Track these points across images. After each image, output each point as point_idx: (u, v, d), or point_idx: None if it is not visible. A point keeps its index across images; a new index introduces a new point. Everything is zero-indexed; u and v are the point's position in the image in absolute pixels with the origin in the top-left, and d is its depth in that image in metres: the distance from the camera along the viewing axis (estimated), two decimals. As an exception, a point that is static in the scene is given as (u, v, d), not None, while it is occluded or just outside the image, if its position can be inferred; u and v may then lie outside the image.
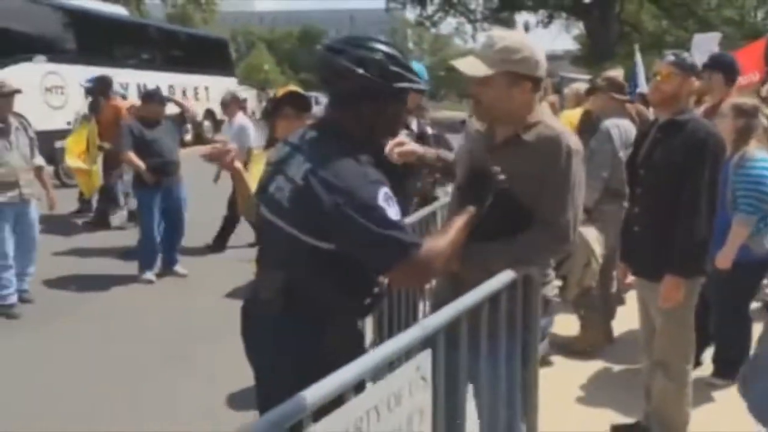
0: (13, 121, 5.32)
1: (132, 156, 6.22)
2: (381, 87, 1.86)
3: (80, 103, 14.10)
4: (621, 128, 4.33)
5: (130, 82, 16.25)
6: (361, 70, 1.82)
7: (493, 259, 2.10)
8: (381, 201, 1.73)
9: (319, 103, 31.69)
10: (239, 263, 6.36)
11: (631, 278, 3.34)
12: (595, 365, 4.31)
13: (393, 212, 1.75)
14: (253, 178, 2.88)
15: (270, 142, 3.18)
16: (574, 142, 2.16)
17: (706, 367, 3.96)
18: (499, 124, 2.25)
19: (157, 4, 45.22)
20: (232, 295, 5.67)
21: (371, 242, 1.73)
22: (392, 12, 43.17)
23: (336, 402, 1.29)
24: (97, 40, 15.95)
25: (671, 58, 3.00)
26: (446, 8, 38.64)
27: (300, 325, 1.89)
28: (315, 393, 1.15)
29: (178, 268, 6.60)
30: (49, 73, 13.92)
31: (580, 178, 2.16)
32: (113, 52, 16.74)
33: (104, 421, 3.61)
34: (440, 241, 1.89)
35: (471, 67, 2.15)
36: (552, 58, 29.38)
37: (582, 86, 6.20)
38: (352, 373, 1.26)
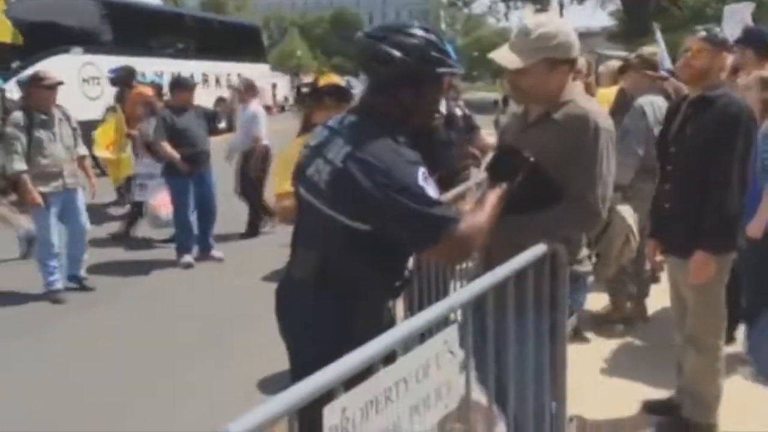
0: (56, 113, 5.48)
1: (167, 146, 6.35)
2: (421, 72, 1.91)
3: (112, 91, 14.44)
4: (654, 105, 4.27)
5: (165, 71, 16.46)
6: (402, 56, 1.87)
7: (522, 232, 2.14)
8: (420, 180, 1.78)
9: (352, 87, 31.81)
10: (274, 247, 6.46)
11: (660, 256, 3.31)
12: (629, 343, 4.30)
13: (432, 190, 1.80)
14: (285, 165, 2.94)
15: (305, 128, 3.19)
16: (603, 120, 2.20)
17: (739, 343, 3.91)
18: (534, 104, 2.34)
19: (191, -7, 45.66)
20: (269, 278, 5.78)
21: (414, 220, 1.78)
22: (424, -7, 42.65)
23: (365, 374, 1.34)
24: (131, 31, 16.12)
25: (702, 33, 2.95)
26: (479, -13, 38.10)
27: (332, 305, 1.94)
28: (345, 363, 1.20)
29: (215, 252, 6.75)
30: (86, 64, 14.21)
31: (609, 156, 2.19)
32: (148, 42, 16.95)
33: (145, 401, 3.74)
34: (478, 217, 1.92)
35: (509, 60, 2.22)
36: (588, 35, 28.77)
37: (616, 63, 6.07)
38: (381, 345, 1.30)
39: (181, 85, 6.70)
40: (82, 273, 5.78)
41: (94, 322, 5.06)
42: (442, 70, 1.95)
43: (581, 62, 4.04)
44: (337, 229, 1.89)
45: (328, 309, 1.95)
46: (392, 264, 2.01)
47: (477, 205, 2.04)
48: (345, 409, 1.19)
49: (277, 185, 3.14)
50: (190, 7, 35.70)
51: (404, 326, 1.40)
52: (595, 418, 3.20)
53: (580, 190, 2.16)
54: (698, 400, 3.08)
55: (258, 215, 7.65)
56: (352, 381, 1.29)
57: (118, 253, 6.98)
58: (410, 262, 2.07)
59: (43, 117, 5.35)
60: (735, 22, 4.52)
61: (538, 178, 2.15)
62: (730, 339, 3.31)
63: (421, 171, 1.81)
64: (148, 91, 8.27)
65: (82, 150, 5.77)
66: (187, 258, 6.48)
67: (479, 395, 2.02)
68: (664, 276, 4.70)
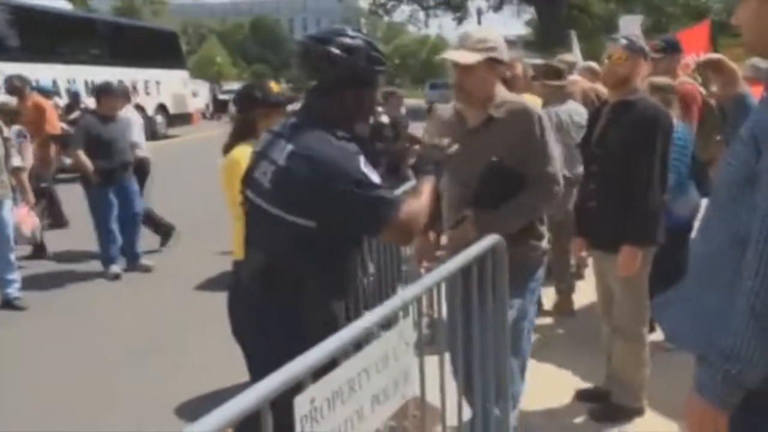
0: None
1: (81, 155, 6.04)
2: (366, 71, 2.03)
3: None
4: (562, 115, 4.48)
5: (78, 78, 15.88)
6: (348, 56, 1.99)
7: (508, 219, 2.49)
8: (362, 167, 1.90)
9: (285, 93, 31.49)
10: (206, 255, 6.36)
11: (584, 252, 3.49)
12: (558, 335, 4.48)
13: (374, 176, 1.92)
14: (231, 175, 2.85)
15: (243, 136, 3.09)
16: (538, 108, 2.67)
17: (659, 332, 4.14)
18: (471, 107, 2.59)
19: (104, -2, 44.14)
20: (201, 287, 5.68)
21: (361, 206, 1.88)
22: (345, 1, 42.89)
23: (328, 368, 1.37)
24: (41, 36, 15.48)
25: (623, 41, 3.13)
26: (399, -4, 38.65)
27: (279, 304, 1.99)
28: (313, 356, 1.23)
29: (144, 261, 6.56)
30: None
31: (551, 133, 2.59)
32: (59, 48, 16.27)
33: (80, 416, 3.61)
34: (418, 202, 2.06)
35: (463, 56, 2.48)
36: (506, 43, 29.64)
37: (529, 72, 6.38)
38: (345, 338, 1.35)
39: (109, 92, 6.37)
40: (15, 293, 5.45)
41: (20, 336, 4.84)
42: (379, 68, 2.08)
43: (519, 68, 4.22)
44: (282, 228, 1.94)
45: (275, 308, 1.99)
46: (338, 262, 2.04)
47: (414, 194, 2.14)
48: (313, 400, 1.22)
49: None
50: (103, 12, 34.45)
51: (364, 320, 1.45)
52: (531, 408, 3.32)
53: (539, 169, 2.51)
54: (626, 386, 3.26)
55: (159, 222, 7.24)
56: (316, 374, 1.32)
57: (43, 266, 6.67)
58: (371, 267, 2.16)
59: None
60: (628, 32, 4.88)
61: (502, 172, 2.49)
62: (652, 329, 3.50)
63: (362, 159, 1.92)
64: (43, 102, 7.90)
65: (16, 161, 5.52)
66: (114, 269, 6.28)
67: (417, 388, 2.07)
68: (588, 271, 4.94)
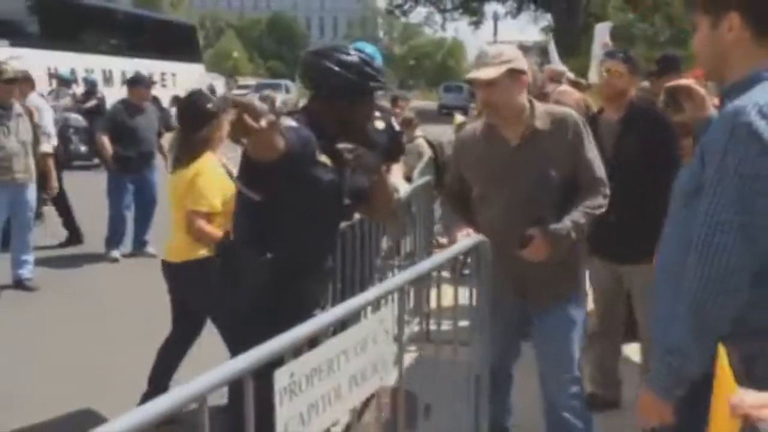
0: (17, 107, 5.40)
1: (105, 141, 6.31)
2: (355, 84, 2.23)
3: (44, 88, 13.97)
4: None
5: (95, 67, 16.10)
6: (342, 70, 2.20)
7: (577, 229, 2.44)
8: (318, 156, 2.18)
9: (290, 91, 31.64)
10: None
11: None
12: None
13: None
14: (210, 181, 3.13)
15: (198, 154, 3.15)
16: (576, 114, 2.63)
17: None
18: (506, 124, 2.53)
19: (124, -12, 44.49)
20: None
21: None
22: (362, 0, 43.05)
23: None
24: (60, 24, 15.74)
25: (621, 56, 3.23)
26: (417, -3, 38.77)
27: (225, 277, 2.30)
28: (294, 334, 1.34)
29: (149, 248, 6.70)
30: (11, 58, 13.73)
31: (592, 137, 2.59)
32: (77, 37, 16.54)
33: (78, 395, 3.73)
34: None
35: (485, 73, 2.46)
36: (522, 48, 29.72)
37: None
38: (326, 320, 1.46)
39: (137, 82, 6.68)
40: (27, 274, 5.64)
41: (29, 316, 4.98)
42: (374, 84, 2.27)
43: (539, 77, 4.41)
44: (244, 205, 2.25)
45: (221, 285, 2.32)
46: (265, 234, 2.23)
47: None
48: (293, 374, 1.32)
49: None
50: (123, 3, 34.80)
51: (347, 304, 1.56)
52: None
53: (593, 171, 2.51)
54: (610, 379, 3.49)
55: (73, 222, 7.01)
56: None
57: (55, 248, 6.82)
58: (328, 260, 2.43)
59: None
60: (598, 43, 4.90)
61: (547, 184, 2.47)
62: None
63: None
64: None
65: (46, 147, 5.70)
66: (114, 253, 6.51)
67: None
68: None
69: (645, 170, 3.05)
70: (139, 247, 6.70)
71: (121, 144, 6.31)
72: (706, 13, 1.58)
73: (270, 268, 2.18)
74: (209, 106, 3.09)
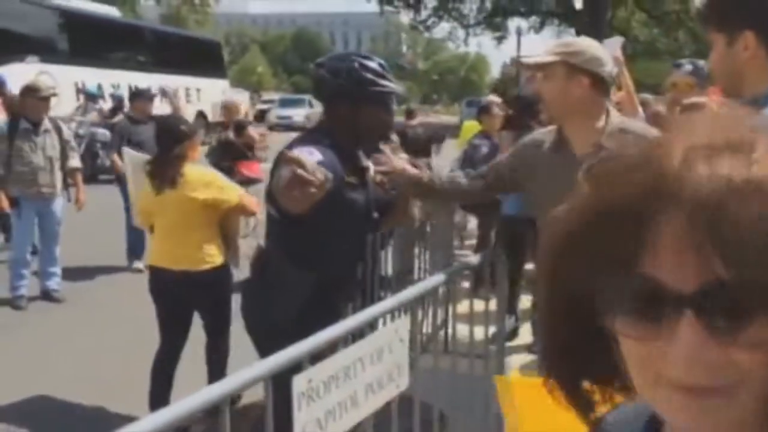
0: (46, 123, 5.58)
1: (116, 157, 6.47)
2: (351, 90, 2.21)
3: (72, 104, 14.26)
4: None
5: (122, 83, 16.34)
6: (331, 77, 2.22)
7: None
8: (295, 149, 2.06)
9: (313, 105, 31.92)
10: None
11: None
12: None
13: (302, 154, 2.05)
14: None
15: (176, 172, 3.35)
16: (641, 127, 2.15)
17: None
18: (573, 128, 2.12)
19: (152, 6, 45.33)
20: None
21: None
22: (387, 15, 43.34)
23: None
24: (88, 41, 15.96)
25: (689, 68, 2.84)
26: (440, 13, 38.88)
27: (266, 291, 2.29)
28: (312, 342, 1.39)
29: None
30: (41, 73, 13.97)
31: None
32: (105, 53, 16.77)
33: (107, 406, 3.81)
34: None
35: (531, 56, 2.25)
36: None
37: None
38: (342, 329, 1.51)
39: (139, 96, 6.86)
40: (54, 285, 5.77)
41: (54, 325, 5.10)
42: (375, 89, 2.22)
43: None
44: (270, 221, 2.26)
45: (263, 294, 2.32)
46: (306, 251, 2.21)
47: None
48: (311, 380, 1.37)
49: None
50: (150, 20, 35.46)
51: (362, 314, 1.61)
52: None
53: None
54: None
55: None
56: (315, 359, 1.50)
57: (70, 258, 6.96)
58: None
59: (27, 126, 5.44)
60: (610, 55, 4.84)
61: None
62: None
63: (308, 147, 2.09)
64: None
65: (74, 162, 5.85)
66: (136, 264, 6.62)
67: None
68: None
69: None
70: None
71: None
72: (720, 31, 1.60)
73: (311, 283, 2.18)
74: (183, 127, 3.40)
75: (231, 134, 7.41)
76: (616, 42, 4.75)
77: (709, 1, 1.65)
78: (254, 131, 8.18)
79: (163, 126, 3.51)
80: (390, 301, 1.73)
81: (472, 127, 7.25)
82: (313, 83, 2.33)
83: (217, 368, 3.61)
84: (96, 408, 3.75)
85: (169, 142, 3.30)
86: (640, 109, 4.38)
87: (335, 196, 2.05)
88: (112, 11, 19.62)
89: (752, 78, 1.58)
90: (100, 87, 15.20)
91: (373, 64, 2.23)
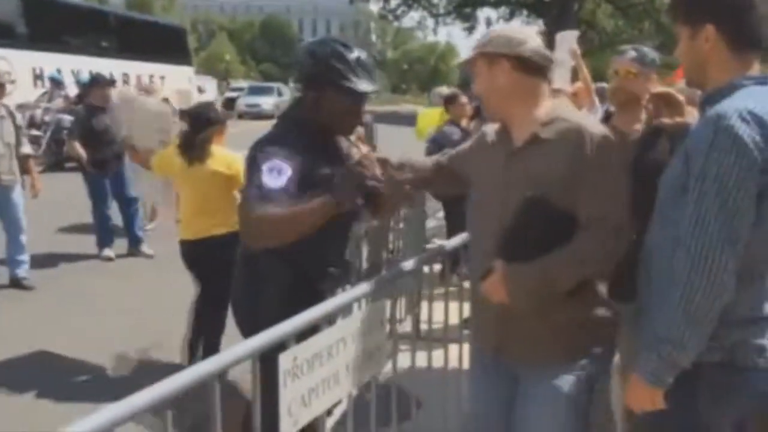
0: (0, 109, 5.45)
1: (77, 146, 6.37)
2: (321, 77, 2.18)
3: (30, 90, 13.89)
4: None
5: (83, 69, 15.82)
6: (307, 59, 2.21)
7: (547, 277, 1.81)
8: (264, 166, 2.06)
9: (282, 94, 31.67)
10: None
11: None
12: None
13: (269, 179, 2.04)
14: None
15: (201, 150, 3.81)
16: (599, 129, 1.91)
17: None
18: (511, 121, 2.00)
19: (117, -10, 44.39)
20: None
21: (242, 190, 2.13)
22: (356, 4, 43.11)
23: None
24: (48, 25, 15.45)
25: (632, 53, 2.66)
26: (409, 2, 38.89)
27: (251, 284, 2.30)
28: (296, 321, 1.43)
29: (145, 248, 6.80)
30: None
31: (618, 164, 1.89)
32: (65, 38, 16.31)
33: (72, 397, 3.79)
34: (283, 212, 1.99)
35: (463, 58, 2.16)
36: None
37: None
38: (325, 309, 1.56)
39: (97, 83, 6.75)
40: (22, 273, 5.70)
41: (24, 314, 5.04)
42: (343, 83, 2.15)
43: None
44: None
45: (247, 291, 2.33)
46: (289, 244, 2.11)
47: (295, 206, 2.03)
48: (296, 358, 1.42)
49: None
50: (115, 5, 34.71)
51: (344, 296, 1.65)
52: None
53: (597, 210, 1.81)
54: None
55: None
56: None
57: (37, 246, 6.88)
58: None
59: None
60: (563, 50, 4.85)
61: (542, 212, 1.83)
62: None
63: (273, 162, 2.05)
64: None
65: (26, 149, 5.76)
66: (106, 252, 6.60)
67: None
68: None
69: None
70: (135, 245, 6.79)
71: (92, 147, 6.36)
72: (684, 24, 1.69)
73: (292, 272, 2.19)
74: (212, 114, 3.95)
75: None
76: (571, 35, 4.81)
77: None
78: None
79: (196, 112, 4.04)
80: (366, 285, 1.77)
81: (429, 114, 7.24)
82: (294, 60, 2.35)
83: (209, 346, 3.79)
84: (70, 394, 3.73)
85: (199, 125, 3.83)
86: (596, 100, 4.45)
87: (311, 188, 2.04)
88: None
89: (714, 70, 1.66)
90: (59, 72, 14.86)
91: (351, 56, 2.18)
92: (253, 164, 2.08)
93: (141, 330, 4.72)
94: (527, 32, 1.97)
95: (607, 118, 2.70)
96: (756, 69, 1.66)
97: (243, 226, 2.09)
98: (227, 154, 3.88)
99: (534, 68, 1.91)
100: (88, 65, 16.15)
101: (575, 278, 1.82)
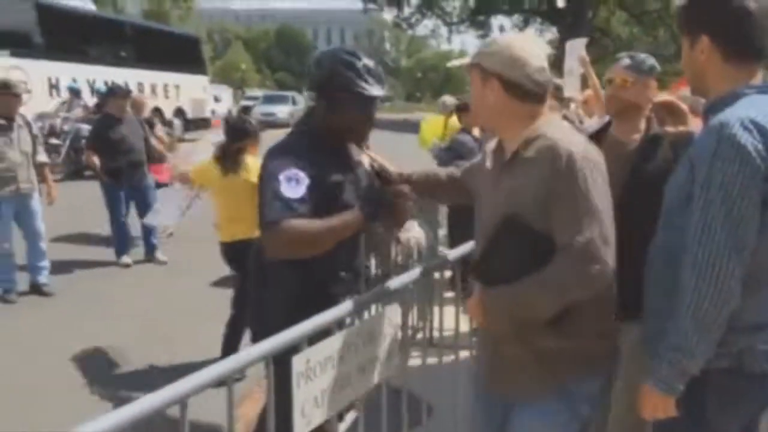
0: (17, 119, 5.59)
1: (90, 155, 6.52)
2: (324, 83, 2.22)
3: (45, 100, 14.04)
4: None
5: (98, 78, 15.94)
6: (314, 69, 2.24)
7: (523, 303, 1.75)
8: (281, 176, 2.05)
9: (296, 102, 31.82)
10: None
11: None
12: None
13: (288, 189, 2.03)
14: None
15: (234, 160, 4.05)
16: (578, 147, 1.77)
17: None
18: (501, 134, 1.96)
19: (134, 0, 44.88)
20: (217, 283, 5.93)
21: (260, 203, 2.09)
22: (370, 13, 43.27)
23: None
24: (62, 35, 15.57)
25: (626, 61, 2.55)
26: (423, 10, 39.02)
27: (265, 294, 2.30)
28: (308, 325, 1.48)
29: (159, 254, 6.90)
30: (11, 68, 13.11)
31: (595, 186, 1.74)
32: (80, 48, 16.43)
33: (91, 397, 3.86)
34: (314, 225, 2.01)
35: (457, 60, 2.15)
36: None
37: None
38: (337, 313, 1.60)
39: (114, 94, 6.88)
40: (43, 279, 5.82)
41: (43, 320, 5.13)
42: (352, 88, 2.17)
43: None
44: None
45: (265, 298, 2.30)
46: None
47: (327, 218, 2.04)
48: (309, 360, 1.46)
49: None
50: (131, 15, 35.06)
51: (356, 300, 1.70)
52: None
53: (567, 234, 1.71)
54: None
55: None
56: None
57: (56, 253, 6.99)
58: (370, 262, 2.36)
59: (2, 122, 5.44)
60: (573, 58, 4.81)
61: (517, 233, 1.78)
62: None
63: (290, 171, 2.05)
64: None
65: (42, 157, 5.88)
66: (124, 259, 6.71)
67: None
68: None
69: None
70: (151, 252, 6.90)
71: (108, 156, 6.47)
72: (685, 35, 1.73)
73: (303, 278, 2.19)
74: (247, 126, 4.20)
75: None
76: (580, 42, 4.80)
77: (680, 7, 1.77)
78: (161, 131, 8.12)
79: (233, 123, 4.27)
80: (376, 290, 1.82)
81: (432, 122, 7.09)
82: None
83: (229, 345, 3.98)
84: (90, 399, 3.80)
85: (235, 136, 4.08)
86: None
87: (323, 196, 2.08)
88: (87, 4, 18.95)
89: (712, 79, 1.70)
90: (75, 82, 15.02)
91: (359, 64, 2.19)
92: (269, 174, 2.08)
93: (153, 333, 4.80)
94: (532, 50, 1.84)
95: (608, 127, 2.59)
96: (759, 78, 1.69)
97: (271, 239, 2.01)
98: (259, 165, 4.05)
99: (528, 94, 1.82)
100: (103, 75, 16.27)
101: (554, 304, 1.73)
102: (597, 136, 2.45)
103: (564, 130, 1.84)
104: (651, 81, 2.49)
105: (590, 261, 1.68)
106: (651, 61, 2.55)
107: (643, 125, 2.47)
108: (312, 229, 1.98)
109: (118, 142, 6.51)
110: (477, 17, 38.79)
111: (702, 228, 1.56)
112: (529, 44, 1.86)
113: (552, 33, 39.92)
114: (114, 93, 6.91)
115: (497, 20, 39.39)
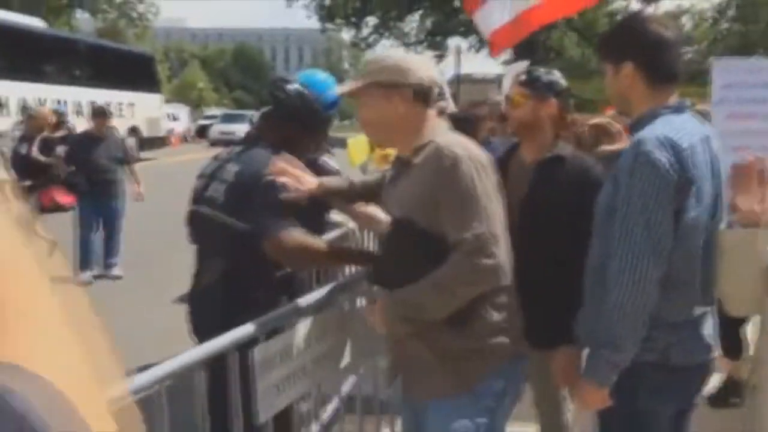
0: None
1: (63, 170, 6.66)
2: (300, 111, 2.40)
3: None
4: None
5: (49, 97, 15.50)
6: (284, 97, 2.41)
7: (418, 303, 1.80)
8: (279, 185, 2.14)
9: (254, 122, 31.84)
10: (182, 271, 6.63)
11: None
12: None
13: (275, 200, 2.15)
14: None
15: None
16: (462, 149, 1.83)
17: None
18: (396, 146, 2.04)
19: (88, 19, 44.30)
20: (180, 300, 5.95)
21: (260, 213, 2.16)
22: (328, 32, 43.61)
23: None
24: (12, 54, 15.11)
25: (522, 77, 2.44)
26: (381, 31, 39.53)
27: (237, 301, 2.25)
28: (266, 320, 1.60)
29: (116, 270, 6.97)
30: None
31: (482, 185, 1.78)
32: (31, 66, 15.93)
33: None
34: (323, 246, 2.21)
35: (340, 87, 2.21)
36: (484, 82, 30.53)
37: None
38: (291, 308, 1.73)
39: (100, 113, 7.02)
40: None
41: None
42: (314, 122, 2.43)
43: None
44: (234, 235, 2.24)
45: (235, 305, 2.27)
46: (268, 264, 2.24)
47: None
48: (268, 351, 1.59)
49: None
50: (86, 33, 34.50)
51: (309, 297, 1.83)
52: None
53: (456, 232, 1.75)
54: None
55: None
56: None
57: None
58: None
59: None
60: (511, 78, 5.00)
61: (407, 235, 1.84)
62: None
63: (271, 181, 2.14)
64: None
65: (1, 174, 5.83)
66: (82, 276, 6.68)
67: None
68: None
69: (561, 231, 2.19)
70: (106, 269, 6.96)
71: (85, 175, 6.57)
72: (609, 62, 1.93)
73: (278, 286, 2.24)
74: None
75: (35, 150, 7.38)
76: (520, 65, 5.03)
77: (601, 38, 1.99)
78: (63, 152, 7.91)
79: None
80: (321, 292, 1.96)
81: (358, 142, 6.67)
82: (274, 92, 2.48)
83: None
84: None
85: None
86: None
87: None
88: (36, 22, 18.12)
89: (636, 101, 1.91)
90: (61, 104, 14.74)
91: (310, 95, 2.43)
92: (263, 171, 2.17)
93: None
94: (411, 57, 2.04)
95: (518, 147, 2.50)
96: (674, 98, 1.90)
97: (284, 253, 2.10)
98: None
99: (432, 97, 1.91)
100: (55, 94, 15.87)
101: (447, 304, 1.76)
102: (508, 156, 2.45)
103: (450, 136, 1.91)
104: (549, 98, 2.35)
105: (480, 255, 1.71)
106: (551, 77, 2.41)
107: (552, 143, 2.37)
108: (318, 248, 2.15)
109: (92, 161, 6.58)
110: (434, 38, 39.47)
111: (624, 234, 1.74)
112: (401, 53, 2.14)
113: (507, 53, 40.83)
114: (100, 113, 7.02)
115: (454, 41, 40.12)
